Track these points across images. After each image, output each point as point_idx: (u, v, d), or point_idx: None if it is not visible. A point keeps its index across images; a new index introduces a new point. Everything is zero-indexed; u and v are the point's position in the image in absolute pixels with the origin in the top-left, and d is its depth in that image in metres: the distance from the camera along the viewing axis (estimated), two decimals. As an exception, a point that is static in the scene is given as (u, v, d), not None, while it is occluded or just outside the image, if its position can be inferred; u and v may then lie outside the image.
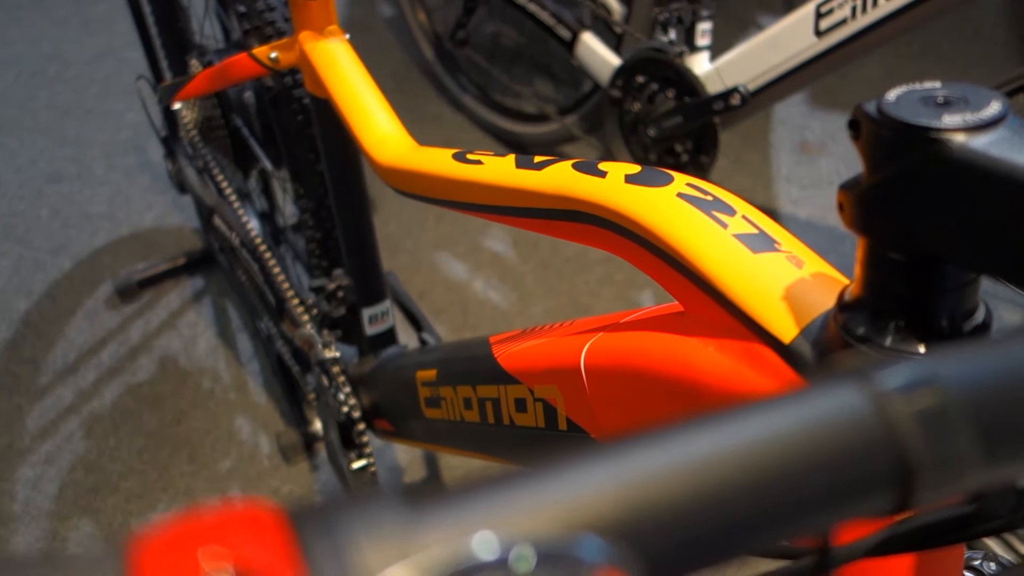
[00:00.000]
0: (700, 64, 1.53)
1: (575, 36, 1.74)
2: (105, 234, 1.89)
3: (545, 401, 0.59)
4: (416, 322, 1.24)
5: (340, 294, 1.06)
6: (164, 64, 1.51)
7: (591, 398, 0.52)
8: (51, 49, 2.47)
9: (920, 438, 0.17)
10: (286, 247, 1.53)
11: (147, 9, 1.46)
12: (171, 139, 1.50)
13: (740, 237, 0.43)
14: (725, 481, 0.17)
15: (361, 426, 1.05)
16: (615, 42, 1.75)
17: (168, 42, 1.46)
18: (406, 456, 1.44)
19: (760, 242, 0.42)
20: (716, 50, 1.56)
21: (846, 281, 0.40)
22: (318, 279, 1.10)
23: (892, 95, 0.31)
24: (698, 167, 1.55)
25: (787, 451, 0.17)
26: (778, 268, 0.41)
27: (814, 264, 0.42)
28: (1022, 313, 1.18)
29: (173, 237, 1.88)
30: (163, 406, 1.54)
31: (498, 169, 0.59)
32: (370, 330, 1.08)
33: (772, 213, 1.85)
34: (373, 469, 1.08)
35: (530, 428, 0.62)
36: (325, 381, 1.10)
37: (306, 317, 1.11)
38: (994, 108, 0.30)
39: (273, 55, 0.93)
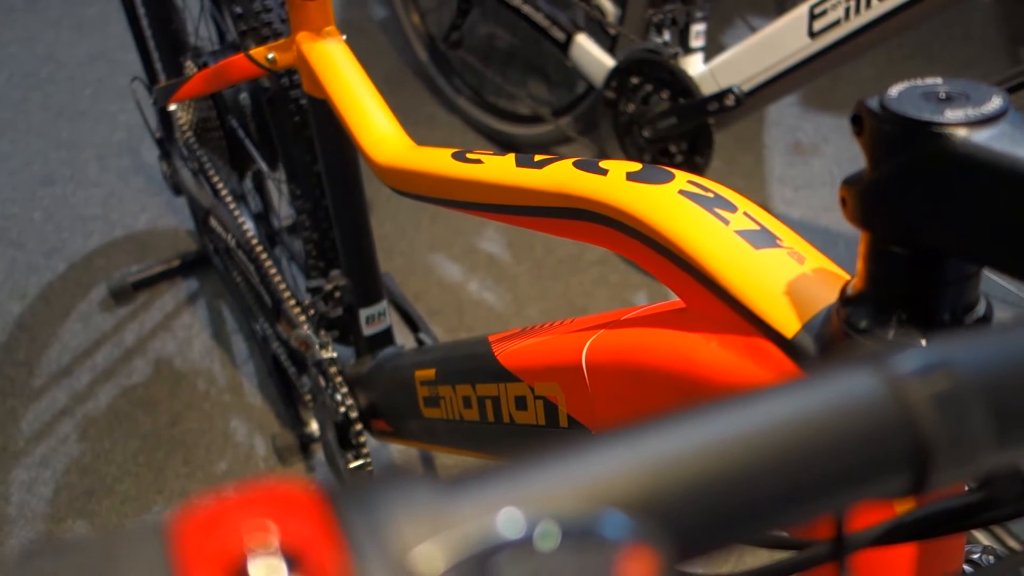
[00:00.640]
0: (694, 65, 1.53)
1: (569, 38, 1.74)
2: (99, 236, 1.89)
3: (546, 398, 0.59)
4: (413, 323, 1.25)
5: (337, 294, 1.06)
6: (159, 66, 1.51)
7: (592, 395, 0.53)
8: (44, 51, 2.46)
9: (936, 420, 0.18)
10: (281, 249, 1.53)
11: (141, 11, 1.46)
12: (166, 141, 1.50)
13: (742, 233, 0.43)
14: (747, 461, 0.17)
15: (358, 426, 1.05)
16: (609, 43, 1.75)
17: (162, 44, 1.46)
18: (403, 456, 1.44)
19: (762, 238, 0.43)
20: (708, 52, 1.57)
21: (847, 277, 0.40)
22: (315, 280, 1.10)
23: (894, 91, 0.32)
24: (693, 168, 1.56)
25: (806, 432, 0.18)
26: (780, 264, 0.41)
27: (815, 260, 0.42)
28: (1013, 311, 1.19)
29: (167, 239, 1.88)
30: (158, 408, 1.54)
31: (498, 168, 0.60)
32: (367, 330, 1.08)
33: (766, 214, 1.85)
34: (370, 469, 1.08)
35: (530, 426, 0.62)
36: (322, 382, 1.10)
37: (303, 318, 1.11)
38: (995, 103, 0.30)
39: (270, 56, 0.93)
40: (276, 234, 1.53)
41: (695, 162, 1.56)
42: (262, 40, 1.04)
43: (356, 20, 2.53)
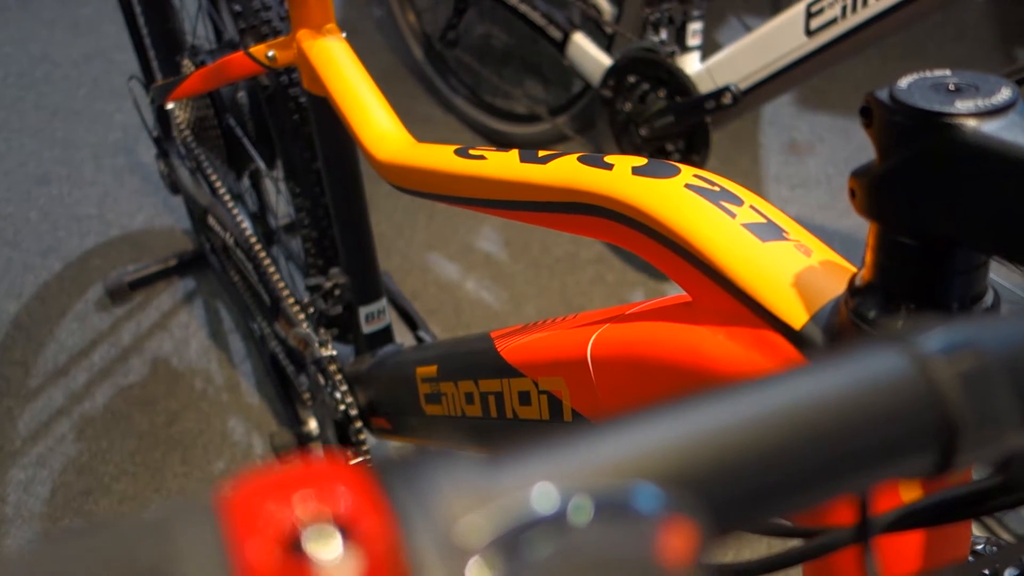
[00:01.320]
0: (691, 64, 1.54)
1: (566, 36, 1.74)
2: (95, 236, 1.88)
3: (550, 393, 0.59)
4: (412, 321, 1.25)
5: (337, 292, 1.06)
6: (155, 65, 1.51)
7: (598, 389, 0.53)
8: (39, 51, 2.45)
9: (963, 398, 0.18)
10: (278, 248, 1.53)
11: (138, 9, 1.46)
12: (163, 139, 1.50)
13: (748, 226, 0.43)
14: (778, 437, 0.17)
15: (358, 424, 1.05)
16: (606, 42, 1.76)
17: (159, 43, 1.46)
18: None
19: (768, 231, 0.43)
20: (704, 50, 1.57)
21: (854, 269, 0.40)
22: (314, 278, 1.10)
23: (904, 82, 0.32)
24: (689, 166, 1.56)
25: (836, 410, 0.18)
26: (787, 256, 0.41)
27: (822, 252, 0.42)
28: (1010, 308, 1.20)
29: (164, 238, 1.88)
30: (155, 408, 1.53)
31: (502, 163, 0.60)
32: (367, 328, 1.08)
33: (762, 212, 1.86)
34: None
35: (534, 421, 0.63)
36: (321, 379, 1.10)
37: (302, 316, 1.11)
38: (1005, 94, 0.30)
39: (270, 53, 0.93)
40: (273, 233, 1.53)
41: (692, 160, 1.56)
42: (261, 38, 1.04)
43: (352, 19, 2.52)
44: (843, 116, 2.15)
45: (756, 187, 1.95)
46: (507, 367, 0.64)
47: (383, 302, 1.08)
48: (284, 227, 1.61)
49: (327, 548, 0.14)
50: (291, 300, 1.13)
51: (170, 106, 1.36)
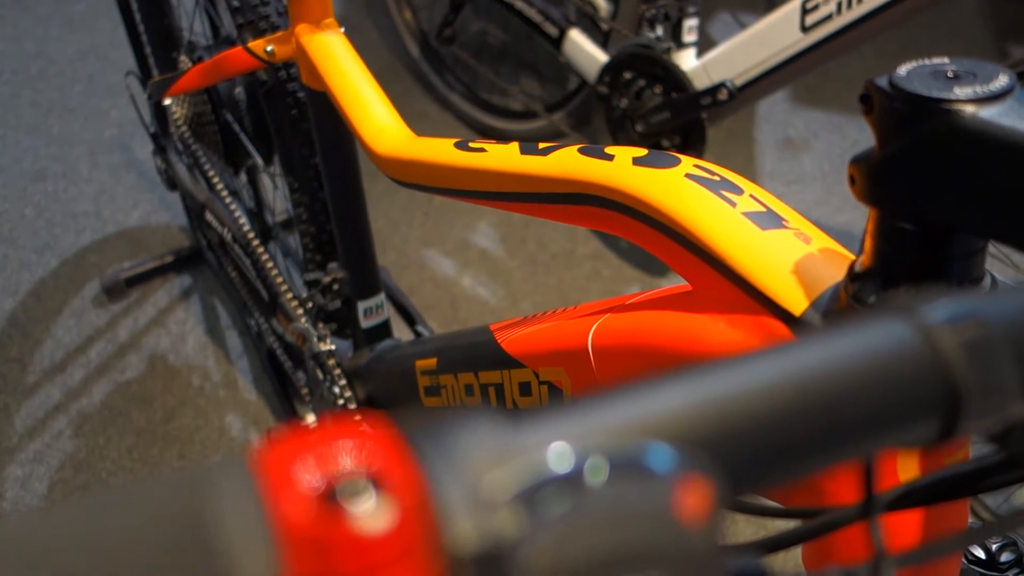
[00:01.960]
0: (687, 60, 1.54)
1: (562, 33, 1.75)
2: (91, 232, 1.88)
3: (551, 383, 0.60)
4: (409, 316, 1.25)
5: (336, 287, 1.06)
6: (151, 61, 1.51)
7: (599, 378, 0.53)
8: (33, 47, 2.45)
9: (966, 366, 0.19)
10: (275, 244, 1.53)
11: (135, 5, 1.46)
12: (161, 135, 1.50)
13: (748, 215, 0.44)
14: (788, 401, 0.18)
15: (357, 418, 1.05)
16: (602, 39, 1.76)
17: (156, 39, 1.45)
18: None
19: (768, 220, 0.43)
20: (699, 47, 1.58)
21: (852, 257, 0.41)
22: (313, 272, 1.11)
23: (903, 70, 0.32)
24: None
25: (843, 376, 0.19)
26: (786, 244, 0.42)
27: (821, 240, 0.43)
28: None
29: (160, 235, 1.88)
30: (152, 404, 1.54)
31: (503, 156, 0.60)
32: (365, 323, 1.09)
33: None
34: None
35: (534, 411, 0.63)
36: (320, 374, 1.10)
37: (300, 311, 1.11)
38: (1002, 81, 0.31)
39: (269, 48, 0.94)
40: (270, 230, 1.53)
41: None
42: (259, 33, 1.04)
43: (348, 16, 2.53)
44: (837, 113, 2.16)
45: (751, 183, 1.96)
46: (507, 358, 0.64)
47: (381, 297, 1.09)
48: (281, 223, 1.61)
49: (361, 499, 0.14)
50: (289, 295, 1.14)
51: (167, 102, 1.36)
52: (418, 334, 1.22)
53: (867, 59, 2.21)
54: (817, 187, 1.94)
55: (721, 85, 1.46)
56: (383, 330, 1.11)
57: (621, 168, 0.49)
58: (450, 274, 1.78)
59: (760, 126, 2.13)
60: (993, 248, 0.38)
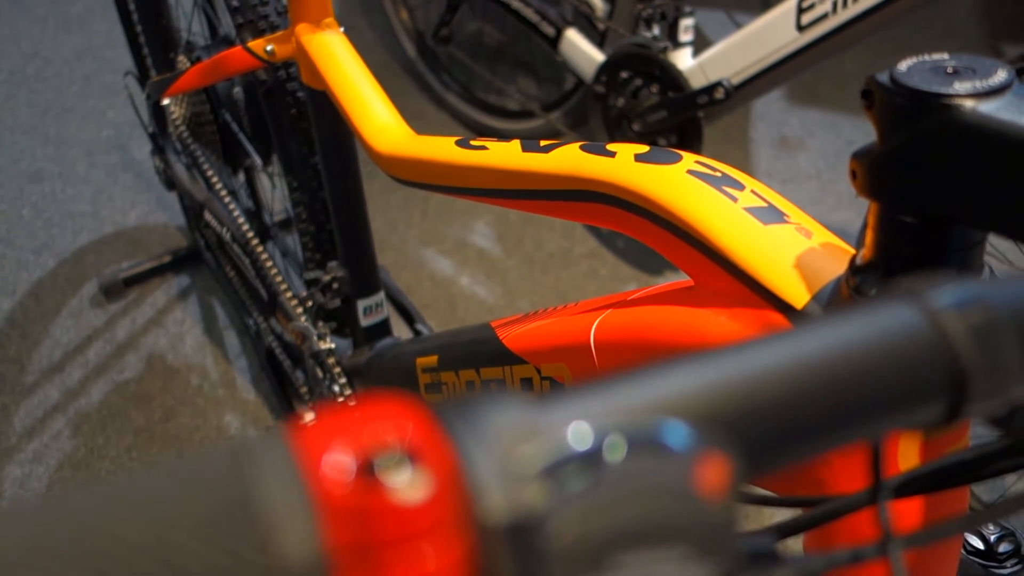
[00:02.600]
0: (683, 59, 1.55)
1: (559, 33, 1.75)
2: (88, 233, 1.88)
3: (552, 379, 0.60)
4: (408, 315, 1.25)
5: (335, 285, 1.07)
6: (149, 62, 1.51)
7: (601, 373, 0.54)
8: (30, 48, 2.45)
9: (972, 350, 0.19)
10: (273, 245, 1.54)
11: (132, 6, 1.46)
12: (159, 135, 1.50)
13: (750, 210, 0.44)
14: (800, 383, 0.19)
15: (357, 416, 1.06)
16: (598, 38, 1.77)
17: (153, 39, 1.46)
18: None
19: (769, 215, 0.44)
20: (695, 46, 1.59)
21: (853, 251, 0.42)
22: (312, 271, 1.11)
23: (903, 65, 0.33)
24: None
25: (853, 358, 0.19)
26: (788, 238, 0.43)
27: (822, 235, 0.43)
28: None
29: (158, 235, 1.88)
30: (151, 404, 1.54)
31: (504, 153, 0.61)
32: (365, 321, 1.09)
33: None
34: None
35: (536, 407, 0.63)
36: (320, 373, 1.10)
37: (300, 310, 1.12)
38: (1001, 76, 0.31)
39: (269, 48, 0.94)
40: (268, 230, 1.53)
41: (685, 155, 1.57)
42: (259, 33, 1.04)
43: (344, 16, 2.52)
44: (832, 112, 2.16)
45: (747, 182, 1.97)
46: (509, 354, 0.65)
47: (381, 295, 1.09)
48: (279, 223, 1.61)
49: (396, 471, 0.15)
50: (288, 294, 1.14)
51: (166, 102, 1.37)
52: (417, 333, 1.22)
53: (862, 58, 2.22)
54: (813, 185, 1.95)
55: (718, 84, 1.46)
56: (383, 328, 1.11)
57: (623, 165, 0.50)
58: (448, 273, 1.78)
59: (756, 125, 2.14)
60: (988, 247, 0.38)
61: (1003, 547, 0.48)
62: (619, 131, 1.66)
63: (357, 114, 0.83)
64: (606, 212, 0.52)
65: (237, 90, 1.27)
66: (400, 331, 1.19)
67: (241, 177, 1.49)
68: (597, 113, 1.69)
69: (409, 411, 0.16)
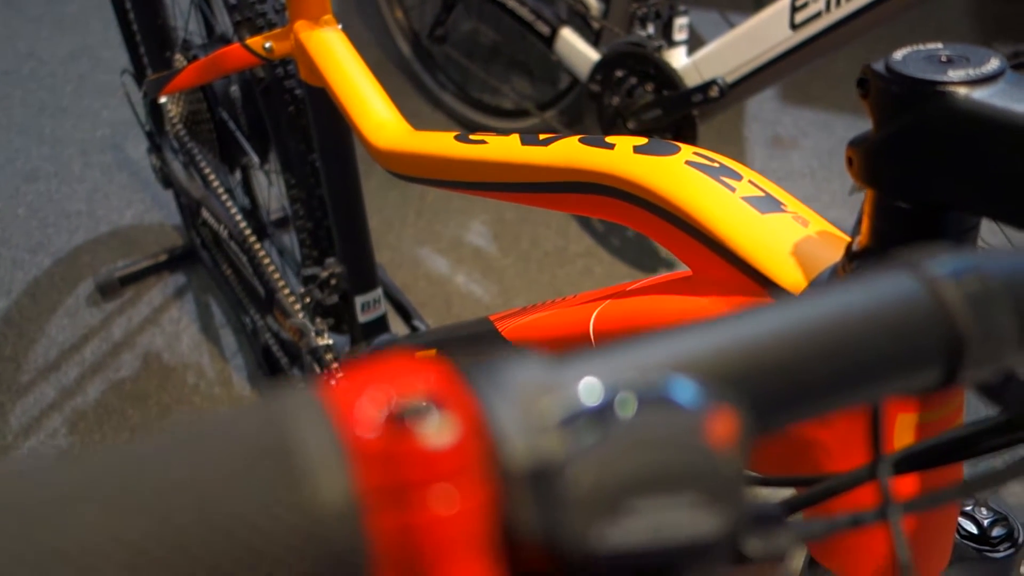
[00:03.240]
0: (678, 58, 1.56)
1: (554, 32, 1.76)
2: (84, 232, 1.89)
3: (552, 370, 0.61)
4: (406, 312, 1.26)
5: (333, 282, 1.07)
6: (145, 61, 1.52)
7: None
8: (25, 48, 2.45)
9: (968, 316, 0.20)
10: (269, 243, 1.54)
11: (128, 4, 1.46)
12: (156, 133, 1.51)
13: (748, 200, 0.45)
14: (804, 346, 0.19)
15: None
16: (593, 37, 1.78)
17: (150, 38, 1.46)
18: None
19: (767, 204, 0.45)
20: (689, 44, 1.60)
21: (848, 239, 0.42)
22: (310, 268, 1.12)
23: (898, 54, 0.34)
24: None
25: (855, 323, 0.20)
26: (785, 227, 0.43)
27: (819, 224, 0.44)
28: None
29: (153, 234, 1.88)
30: (147, 402, 1.54)
31: (504, 147, 0.61)
32: (363, 317, 1.09)
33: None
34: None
35: (536, 398, 0.64)
36: (317, 369, 1.11)
37: (297, 306, 1.12)
38: (994, 64, 0.32)
39: (267, 45, 0.94)
40: (264, 228, 1.54)
41: (679, 153, 1.58)
42: (256, 30, 1.05)
43: (339, 15, 2.53)
44: (826, 111, 2.18)
45: (741, 181, 1.98)
46: (508, 346, 0.65)
47: (378, 291, 1.10)
48: (275, 222, 1.62)
49: (424, 418, 0.16)
50: (286, 291, 1.15)
51: (163, 100, 1.37)
52: (414, 329, 1.23)
53: (855, 58, 2.23)
54: (806, 183, 1.96)
55: (712, 82, 1.47)
56: (380, 325, 1.12)
57: (622, 156, 0.51)
58: (444, 272, 1.79)
59: (750, 124, 2.15)
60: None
61: (996, 531, 0.49)
62: (614, 130, 1.67)
63: (356, 110, 0.84)
64: (606, 203, 0.52)
65: (234, 88, 1.28)
66: (397, 329, 1.20)
67: (237, 176, 1.49)
68: (592, 112, 1.70)
69: (433, 366, 0.17)
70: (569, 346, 0.58)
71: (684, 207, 0.46)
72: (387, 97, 0.86)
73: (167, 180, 1.52)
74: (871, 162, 0.35)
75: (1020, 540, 0.49)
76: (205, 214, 1.33)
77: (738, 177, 0.47)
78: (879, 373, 0.20)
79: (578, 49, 1.72)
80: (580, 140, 0.55)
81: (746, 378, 0.19)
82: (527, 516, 0.16)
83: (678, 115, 1.54)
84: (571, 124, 1.92)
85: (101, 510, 0.15)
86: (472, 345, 0.73)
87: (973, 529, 0.49)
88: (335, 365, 1.07)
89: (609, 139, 0.54)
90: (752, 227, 0.44)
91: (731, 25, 1.50)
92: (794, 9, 1.37)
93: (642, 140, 0.52)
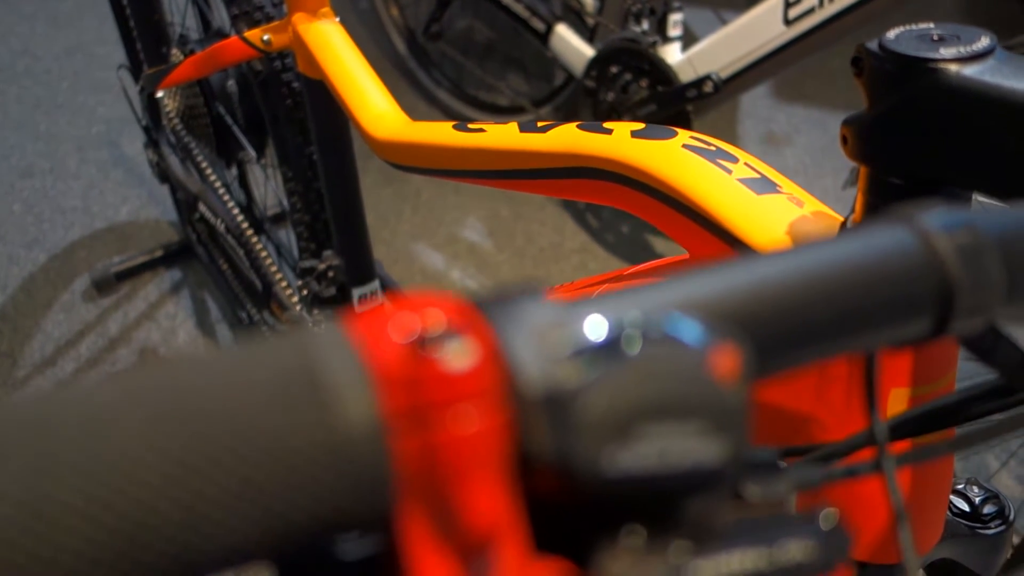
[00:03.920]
0: (672, 54, 1.57)
1: (549, 28, 1.77)
2: (80, 228, 1.89)
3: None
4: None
5: (331, 274, 1.08)
6: (142, 56, 1.52)
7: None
8: (19, 45, 2.45)
9: (959, 267, 0.21)
10: (266, 239, 1.54)
11: (125, 0, 1.47)
12: (153, 128, 1.51)
13: (744, 181, 0.46)
14: (801, 291, 0.20)
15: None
16: (588, 34, 1.79)
17: (146, 33, 1.46)
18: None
19: (762, 185, 0.46)
20: (683, 40, 1.61)
21: (842, 219, 0.43)
22: (308, 260, 1.12)
23: (891, 34, 0.35)
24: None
25: (851, 272, 0.21)
26: (781, 207, 0.44)
27: (813, 204, 0.45)
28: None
29: (149, 230, 1.88)
30: (144, 396, 1.54)
31: (503, 135, 0.62)
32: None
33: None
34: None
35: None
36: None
37: (295, 299, 1.13)
38: (984, 42, 0.33)
39: (266, 37, 0.95)
40: (260, 224, 1.54)
41: (674, 149, 1.59)
42: (254, 23, 1.05)
43: (334, 12, 2.53)
44: (819, 108, 2.19)
45: (735, 177, 1.99)
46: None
47: (376, 283, 1.10)
48: (271, 218, 1.62)
49: (444, 344, 0.17)
50: (284, 283, 1.15)
51: (160, 95, 1.37)
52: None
53: (847, 54, 2.24)
54: (800, 180, 1.97)
55: (706, 78, 1.48)
56: (377, 317, 1.12)
57: (620, 141, 0.51)
58: (439, 268, 1.79)
59: (743, 122, 2.16)
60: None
61: (987, 509, 0.50)
62: (609, 125, 1.68)
63: (354, 102, 0.84)
64: (604, 188, 0.53)
65: (231, 83, 1.28)
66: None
67: (233, 171, 1.50)
68: (587, 108, 1.71)
69: (451, 300, 0.18)
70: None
71: (682, 189, 0.47)
72: (385, 89, 0.86)
73: (164, 175, 1.52)
74: (865, 139, 0.36)
75: (1011, 517, 0.50)
76: (202, 208, 1.34)
77: (734, 160, 0.48)
78: (874, 319, 0.21)
79: (573, 45, 1.73)
80: (578, 126, 0.56)
81: (746, 320, 0.19)
82: (542, 439, 0.17)
83: (672, 111, 1.55)
84: (566, 120, 1.93)
85: (144, 424, 0.16)
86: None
87: (965, 507, 0.50)
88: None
89: (607, 125, 0.54)
90: (748, 207, 0.44)
91: (723, 22, 1.51)
92: (787, 5, 1.38)
93: (639, 125, 0.52)
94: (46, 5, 2.59)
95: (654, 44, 1.56)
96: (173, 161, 1.45)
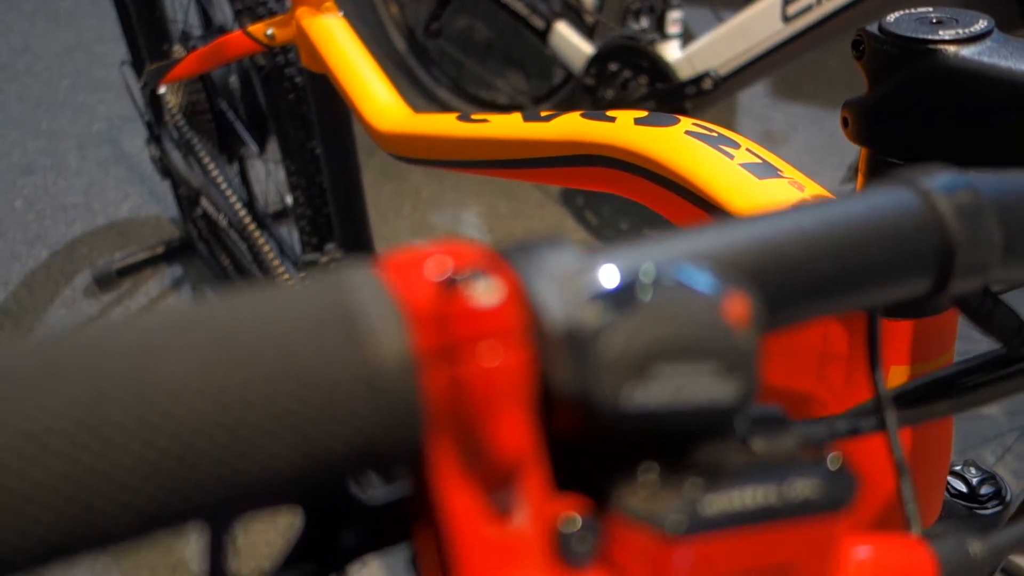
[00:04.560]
0: (671, 51, 1.58)
1: (549, 25, 1.78)
2: (81, 224, 1.89)
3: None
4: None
5: (333, 267, 1.09)
6: (144, 53, 1.53)
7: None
8: (20, 43, 2.45)
9: (959, 226, 0.22)
10: (268, 235, 1.55)
11: (127, -3, 1.47)
12: (155, 124, 1.52)
13: (746, 166, 0.47)
14: (809, 247, 0.21)
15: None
16: (587, 31, 1.80)
17: (148, 29, 1.47)
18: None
19: (764, 170, 0.46)
20: (683, 38, 1.62)
21: (843, 202, 0.44)
22: (310, 254, 1.13)
23: (891, 17, 0.36)
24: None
25: (855, 229, 0.22)
26: (782, 192, 0.45)
27: (814, 188, 0.46)
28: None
29: (150, 227, 1.89)
30: (146, 391, 1.55)
31: (506, 125, 0.63)
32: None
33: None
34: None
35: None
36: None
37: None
38: (982, 24, 0.34)
39: (269, 32, 0.96)
40: (262, 220, 1.55)
41: (673, 145, 1.60)
42: (257, 18, 1.06)
43: (333, 13, 2.54)
44: (816, 107, 2.20)
45: (734, 174, 2.00)
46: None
47: (378, 277, 1.11)
48: (272, 215, 1.63)
49: (472, 282, 0.17)
50: (286, 277, 1.16)
51: (162, 90, 1.38)
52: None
53: (845, 52, 2.25)
54: (798, 178, 1.98)
55: (705, 75, 1.49)
56: (379, 310, 1.13)
57: (623, 128, 0.52)
58: (439, 264, 1.80)
59: (741, 120, 2.17)
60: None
61: (985, 489, 0.51)
62: (608, 122, 1.69)
63: (358, 95, 0.85)
64: (608, 175, 0.54)
65: (233, 79, 1.29)
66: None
67: (235, 167, 1.50)
68: (586, 105, 1.72)
69: (475, 246, 0.19)
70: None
71: (684, 174, 0.48)
72: (388, 82, 0.87)
73: (166, 170, 1.53)
74: (865, 121, 0.37)
75: (1008, 498, 0.51)
76: (204, 203, 1.34)
77: (736, 145, 0.49)
78: (877, 274, 0.22)
79: (572, 43, 1.74)
80: (582, 115, 0.57)
81: (755, 272, 0.20)
82: (563, 375, 0.18)
83: (671, 108, 1.56)
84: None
85: (193, 353, 0.17)
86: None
87: (962, 488, 0.51)
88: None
89: (610, 113, 0.55)
90: (751, 192, 0.45)
91: (720, 20, 1.52)
92: (786, 2, 1.39)
93: (643, 113, 0.53)
94: (47, 3, 2.60)
95: (653, 42, 1.57)
96: (175, 157, 1.46)
